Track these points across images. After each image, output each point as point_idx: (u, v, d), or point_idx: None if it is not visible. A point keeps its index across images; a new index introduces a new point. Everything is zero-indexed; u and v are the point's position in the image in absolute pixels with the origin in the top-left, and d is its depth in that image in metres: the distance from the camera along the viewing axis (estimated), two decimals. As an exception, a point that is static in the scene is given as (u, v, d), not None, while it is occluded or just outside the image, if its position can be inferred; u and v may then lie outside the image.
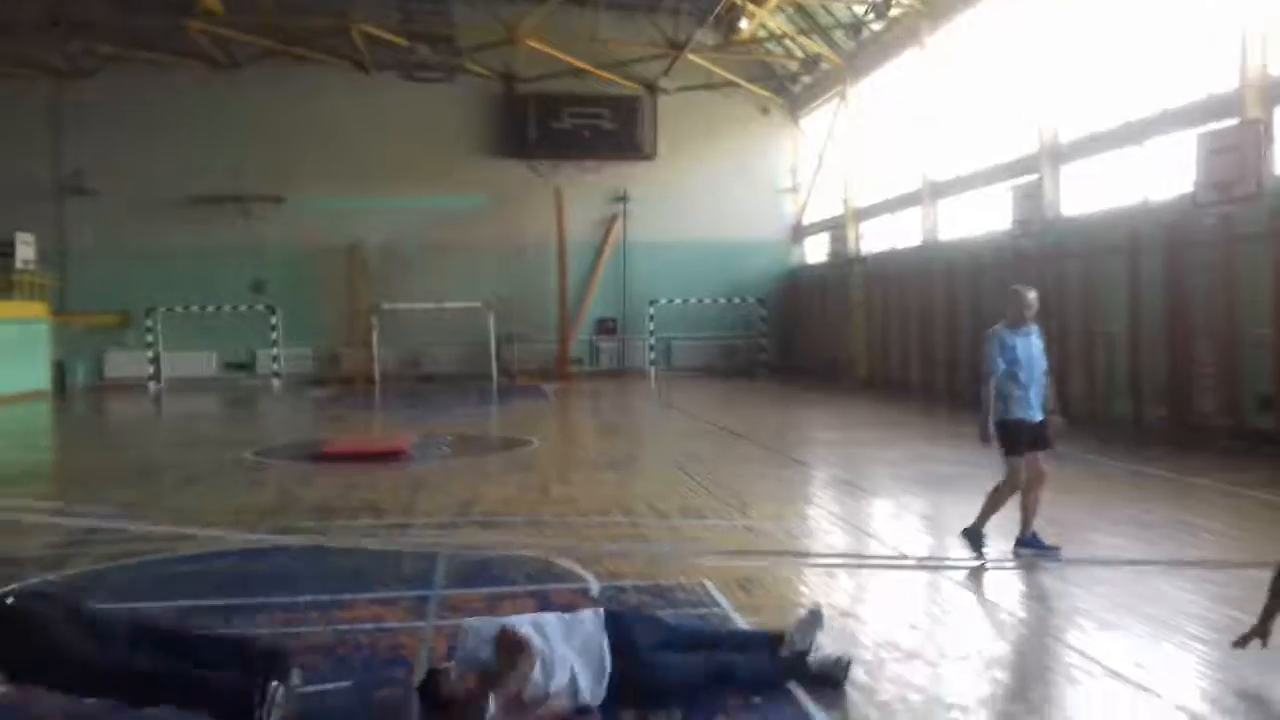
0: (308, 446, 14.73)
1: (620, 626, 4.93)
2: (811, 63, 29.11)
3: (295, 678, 4.71)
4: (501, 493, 10.79)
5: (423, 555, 7.85)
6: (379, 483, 11.52)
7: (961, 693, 4.99)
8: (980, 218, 21.23)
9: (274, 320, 29.70)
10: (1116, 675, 5.18)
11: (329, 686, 5.12)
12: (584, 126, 30.97)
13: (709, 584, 6.89)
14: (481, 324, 29.88)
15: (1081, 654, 5.52)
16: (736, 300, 31.80)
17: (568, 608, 6.36)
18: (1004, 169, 20.04)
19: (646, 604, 6.50)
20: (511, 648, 4.56)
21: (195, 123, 29.36)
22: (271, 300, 29.85)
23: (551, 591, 6.84)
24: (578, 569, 7.34)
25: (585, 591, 6.82)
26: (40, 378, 27.54)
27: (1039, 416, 7.82)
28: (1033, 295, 7.96)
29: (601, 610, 5.11)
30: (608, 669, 4.71)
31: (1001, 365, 7.70)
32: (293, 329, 29.96)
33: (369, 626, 6.11)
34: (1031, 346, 7.86)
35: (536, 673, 4.56)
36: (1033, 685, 5.15)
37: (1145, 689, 4.99)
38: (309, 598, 6.66)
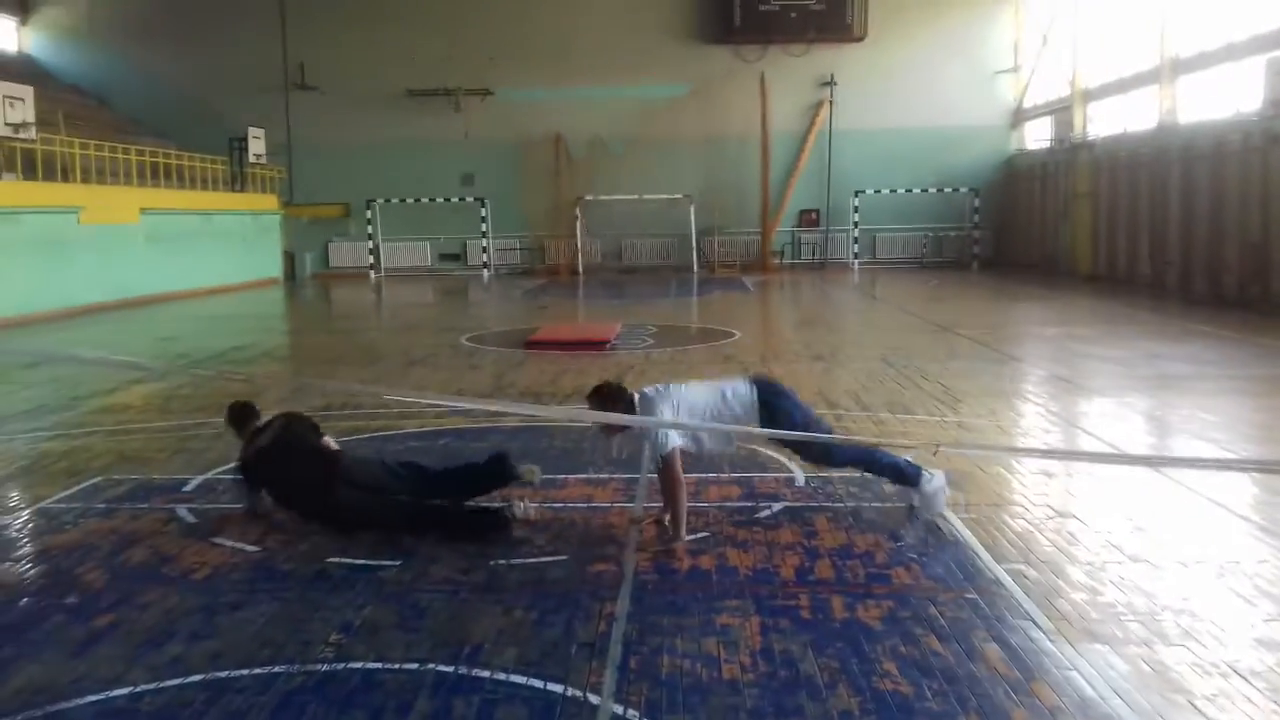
0: (518, 334, 15.24)
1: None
2: (1038, -69, 27.02)
3: (531, 475, 6.11)
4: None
5: (632, 439, 8.01)
6: (586, 369, 11.80)
7: (1188, 596, 4.74)
8: (1226, 97, 19.40)
9: (483, 212, 30.61)
10: (1371, 590, 4.80)
11: (546, 559, 5.35)
12: (791, 7, 29.95)
13: (918, 478, 6.75)
14: (683, 216, 29.88)
15: (1330, 566, 5.14)
16: (948, 190, 30.48)
17: (773, 497, 6.42)
18: (1257, 41, 18.14)
19: (853, 495, 6.46)
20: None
21: (408, 16, 30.14)
22: (481, 193, 30.73)
23: (758, 480, 6.88)
24: (783, 459, 7.34)
25: (791, 481, 6.83)
26: (273, 266, 29.52)
27: None
28: None
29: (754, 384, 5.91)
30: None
31: None
32: (501, 221, 30.80)
33: (582, 505, 6.33)
34: None
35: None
36: (1270, 592, 4.83)
37: None
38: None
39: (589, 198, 30.28)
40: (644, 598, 4.80)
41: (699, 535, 5.69)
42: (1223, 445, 7.82)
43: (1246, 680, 3.91)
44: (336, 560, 5.37)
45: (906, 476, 5.99)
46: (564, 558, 5.37)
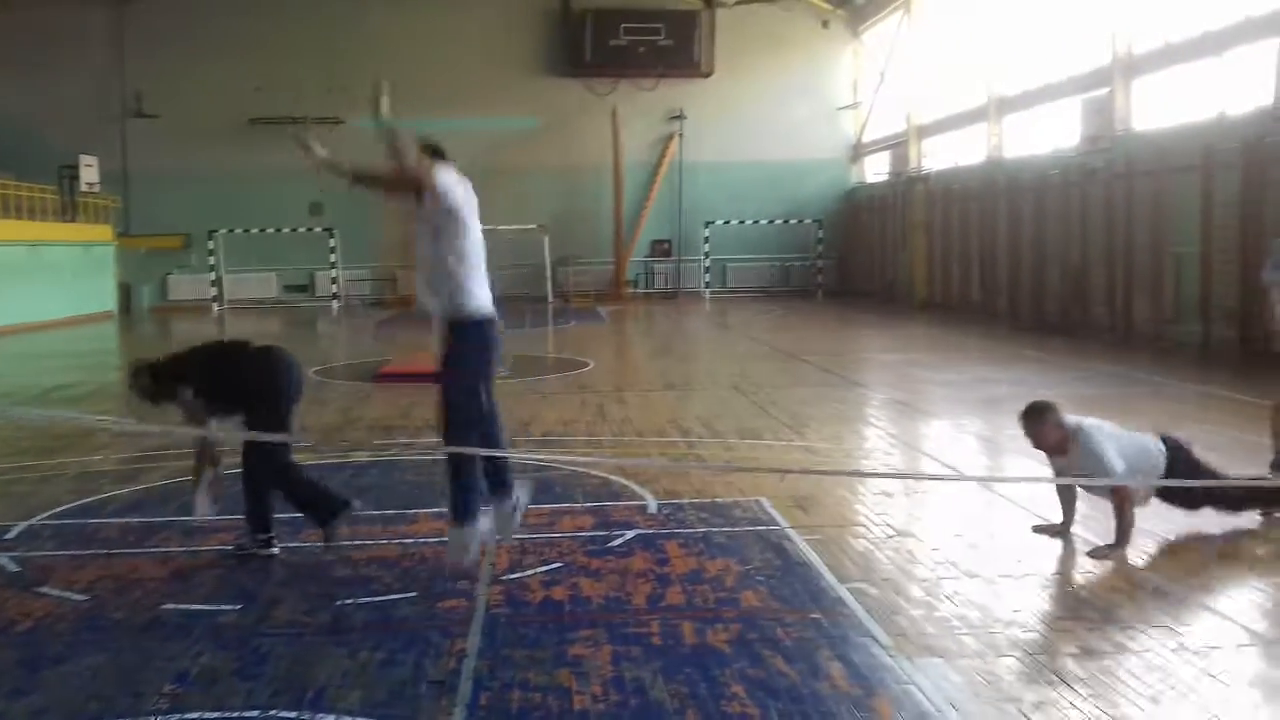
0: (368, 366, 14.95)
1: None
2: (874, -26, 28.29)
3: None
4: (559, 413, 10.88)
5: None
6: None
7: (1019, 609, 4.99)
8: (1047, 134, 20.65)
9: (332, 243, 29.95)
10: (1178, 594, 5.15)
11: (394, 597, 5.25)
12: (640, 43, 30.47)
13: (765, 502, 6.92)
14: (537, 246, 29.90)
15: (1142, 572, 5.48)
16: (793, 221, 31.42)
17: (626, 525, 6.47)
18: (1073, 83, 19.42)
19: (704, 521, 6.56)
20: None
21: (252, 45, 29.38)
22: (330, 223, 30.09)
23: (611, 509, 6.92)
24: (635, 487, 7.41)
25: (644, 509, 6.89)
26: (106, 300, 28.17)
27: None
28: None
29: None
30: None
31: (1277, 275, 7.49)
32: (351, 251, 30.20)
33: (433, 540, 6.24)
34: None
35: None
36: (1092, 602, 5.13)
37: (1209, 609, 4.95)
38: (376, 512, 6.80)
39: (441, 228, 29.98)
40: (496, 632, 4.76)
41: (552, 566, 5.69)
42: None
43: (1071, 687, 4.13)
44: (171, 606, 5.15)
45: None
46: (413, 595, 5.28)
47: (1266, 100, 13.66)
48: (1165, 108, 17.10)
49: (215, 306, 29.51)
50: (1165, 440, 6.17)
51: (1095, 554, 5.72)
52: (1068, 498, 6.18)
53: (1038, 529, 6.22)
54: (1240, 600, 5.13)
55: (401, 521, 6.66)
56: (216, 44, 29.22)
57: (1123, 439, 6.07)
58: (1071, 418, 6.14)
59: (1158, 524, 6.34)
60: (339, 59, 29.57)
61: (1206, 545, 6.00)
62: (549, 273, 30.22)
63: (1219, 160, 14.78)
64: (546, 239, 29.89)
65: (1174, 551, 5.87)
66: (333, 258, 30.07)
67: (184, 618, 4.99)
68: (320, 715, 3.96)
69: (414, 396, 12.01)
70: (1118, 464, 5.85)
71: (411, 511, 6.88)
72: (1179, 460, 6.08)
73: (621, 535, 6.27)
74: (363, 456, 8.54)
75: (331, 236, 29.85)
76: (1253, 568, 5.65)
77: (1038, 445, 6.25)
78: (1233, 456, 8.27)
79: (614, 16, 30.34)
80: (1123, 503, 5.82)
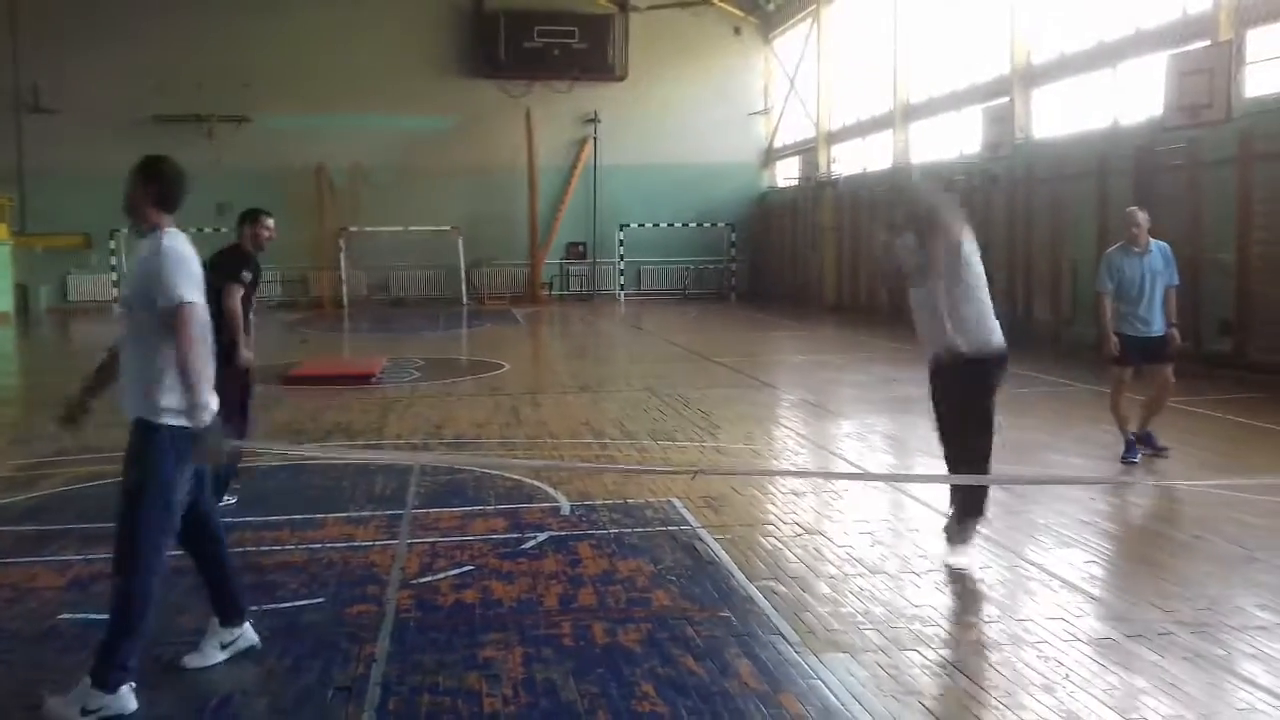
0: (277, 369, 14.66)
1: None
2: (785, -19, 28.70)
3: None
4: (472, 415, 10.83)
5: (394, 476, 7.90)
6: (349, 405, 11.53)
7: (921, 604, 5.13)
8: (951, 141, 21.18)
9: (240, 243, 29.24)
10: (1072, 587, 5.34)
11: (303, 603, 5.19)
12: (554, 45, 30.43)
13: (677, 502, 7.00)
14: (451, 248, 29.65)
15: (1039, 568, 5.68)
16: (707, 224, 31.69)
17: (539, 527, 6.48)
18: (976, 92, 19.96)
19: (616, 522, 6.60)
20: None
21: (156, 40, 28.56)
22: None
23: (523, 511, 6.92)
24: (548, 489, 7.42)
25: (556, 511, 6.91)
26: (2, 300, 27.13)
27: (1155, 332, 8.20)
28: (1141, 216, 8.40)
29: None
30: None
31: (1109, 285, 8.24)
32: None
33: (341, 545, 6.17)
34: (1144, 266, 8.21)
35: None
36: (992, 596, 5.30)
37: (1100, 601, 5.15)
38: (282, 517, 6.70)
39: (353, 229, 29.56)
40: (405, 637, 4.74)
41: (464, 569, 5.67)
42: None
43: (971, 679, 4.26)
44: (69, 616, 5.01)
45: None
46: (320, 600, 5.22)
47: (1156, 110, 14.20)
48: (1062, 117, 17.67)
49: (117, 307, 28.59)
50: None
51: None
52: None
53: None
54: (1132, 593, 5.34)
55: (309, 527, 6.57)
56: (118, 37, 28.31)
57: None
58: None
59: (1053, 518, 6.58)
60: (246, 55, 28.93)
61: (1100, 536, 6.23)
62: (464, 275, 30.00)
63: (1113, 168, 15.33)
64: (461, 241, 29.67)
65: (1067, 544, 6.08)
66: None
67: (82, 628, 4.86)
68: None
69: (324, 400, 11.85)
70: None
71: (319, 517, 6.79)
72: None
73: (534, 537, 6.28)
74: (271, 460, 8.39)
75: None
76: (1144, 559, 5.88)
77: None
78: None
79: (527, 19, 30.24)
80: None
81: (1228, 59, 13.06)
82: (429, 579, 5.54)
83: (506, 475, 7.90)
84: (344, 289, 29.62)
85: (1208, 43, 13.57)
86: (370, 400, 11.95)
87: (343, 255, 29.59)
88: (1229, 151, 13.08)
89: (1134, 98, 15.54)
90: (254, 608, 5.08)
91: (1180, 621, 4.84)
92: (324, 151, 29.71)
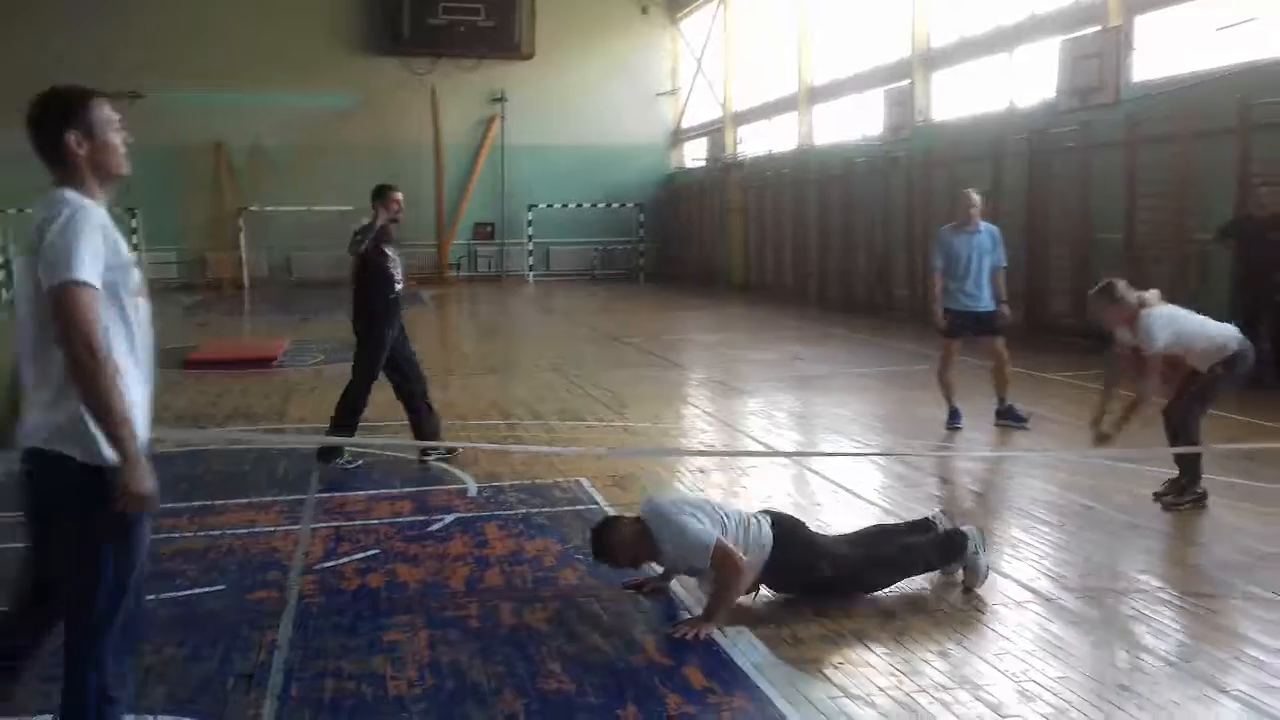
0: (175, 353, 14.27)
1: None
2: (691, -38, 28.74)
3: None
4: (377, 397, 10.62)
5: (298, 460, 7.77)
6: (250, 389, 11.29)
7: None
8: (855, 123, 21.50)
9: (134, 224, 28.32)
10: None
11: (202, 591, 5.09)
12: (460, 22, 30.01)
13: (585, 482, 7.02)
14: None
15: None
16: (615, 205, 31.66)
17: (446, 509, 6.44)
18: (878, 74, 20.28)
19: (524, 502, 6.60)
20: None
21: (43, 12, 27.41)
22: (131, 203, 28.43)
23: (430, 493, 6.88)
24: (455, 470, 7.38)
25: (463, 492, 6.88)
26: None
27: (982, 307, 8.69)
28: (976, 198, 8.88)
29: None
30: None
31: (939, 262, 8.74)
32: (155, 232, 28.63)
33: (242, 531, 6.06)
34: (972, 245, 8.67)
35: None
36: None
37: (992, 569, 5.32)
38: (181, 504, 6.54)
39: (253, 208, 28.83)
40: (308, 623, 4.68)
41: (369, 553, 5.62)
42: (852, 437, 8.69)
43: (868, 647, 4.38)
44: None
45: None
46: (221, 588, 5.13)
47: (1050, 94, 14.61)
48: (961, 100, 18.07)
49: (3, 292, 27.50)
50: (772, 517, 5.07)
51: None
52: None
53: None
54: (1023, 561, 5.53)
55: (208, 513, 6.43)
56: (3, 11, 27.13)
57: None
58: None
59: (952, 490, 6.77)
60: (139, 29, 27.93)
61: (996, 508, 6.44)
62: (368, 256, 29.47)
63: (1008, 150, 15.74)
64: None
65: (962, 514, 6.27)
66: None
67: None
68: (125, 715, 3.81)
69: (223, 384, 11.58)
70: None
71: (219, 503, 6.66)
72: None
73: (440, 520, 6.25)
74: (171, 447, 8.18)
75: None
76: (1034, 529, 6.09)
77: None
78: (1020, 428, 8.88)
79: (432, -7, 29.76)
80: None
81: (1116, 44, 13.49)
82: (333, 564, 5.48)
83: (413, 458, 7.83)
84: (244, 270, 28.91)
85: (1098, 28, 14.00)
86: (272, 384, 11.71)
87: (242, 236, 28.86)
88: (1118, 134, 13.53)
89: (1029, 81, 15.96)
90: (150, 597, 4.96)
91: (1067, 588, 5.04)
92: (222, 129, 28.89)
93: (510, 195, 30.98)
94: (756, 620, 4.66)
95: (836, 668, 4.19)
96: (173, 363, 13.37)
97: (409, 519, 6.29)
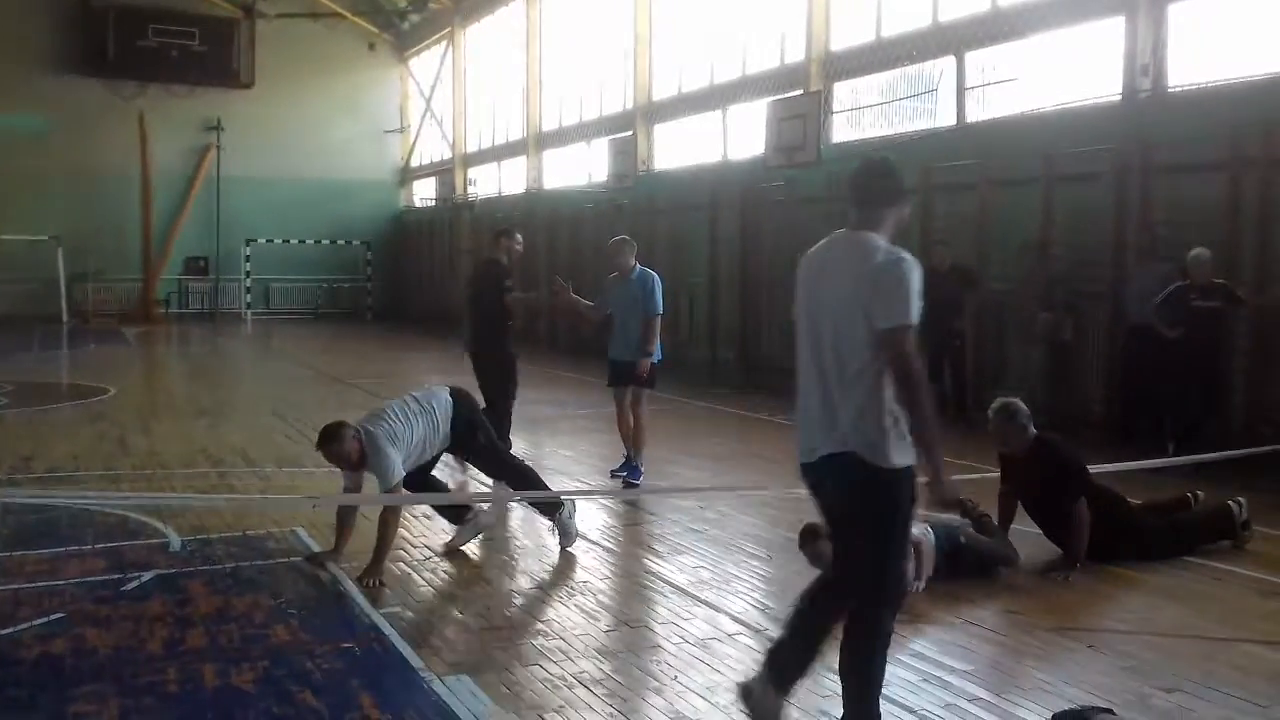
0: None
1: None
2: (420, 1, 28.60)
3: None
4: (70, 446, 9.84)
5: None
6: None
7: (546, 619, 5.28)
8: (582, 169, 22.02)
9: None
10: (683, 592, 5.71)
11: None
12: (172, 46, 28.41)
13: (301, 531, 6.76)
14: (50, 260, 26.76)
15: (654, 575, 6.02)
16: (341, 241, 30.80)
17: (144, 566, 6.01)
18: (603, 123, 20.90)
19: (233, 555, 6.26)
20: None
21: None
22: None
23: (126, 549, 6.38)
24: (156, 524, 6.89)
25: (165, 547, 6.44)
26: None
27: (627, 357, 8.47)
28: (626, 247, 8.78)
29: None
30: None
31: (606, 310, 8.76)
32: None
33: (-104, 600, 5.39)
34: (621, 295, 8.57)
35: None
36: (610, 606, 5.55)
37: (707, 604, 5.55)
38: None
39: (-75, 236, 25.92)
40: (-23, 698, 4.22)
41: (52, 618, 5.14)
42: (577, 478, 8.82)
43: (589, 689, 4.44)
44: None
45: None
46: None
47: (760, 150, 15.55)
48: (681, 151, 18.91)
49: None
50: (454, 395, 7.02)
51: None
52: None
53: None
54: (735, 595, 5.79)
55: None
56: None
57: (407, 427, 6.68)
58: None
59: (668, 527, 7.00)
60: None
61: (709, 543, 6.71)
62: (64, 290, 27.16)
63: (723, 201, 16.60)
64: (61, 251, 26.85)
65: (679, 551, 6.50)
66: None
67: None
68: None
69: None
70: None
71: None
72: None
73: (137, 578, 5.81)
74: None
75: None
76: (739, 565, 6.39)
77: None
78: (737, 464, 9.33)
79: (141, 16, 28.00)
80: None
81: (817, 107, 14.56)
82: (9, 631, 4.97)
83: (108, 511, 7.25)
84: (-87, 305, 25.91)
85: (801, 92, 15.06)
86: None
87: (-89, 266, 25.87)
88: (819, 191, 14.55)
89: (742, 138, 16.93)
90: None
91: (775, 619, 5.31)
92: (-113, 147, 25.87)
93: (227, 228, 29.46)
94: (481, 668, 4.62)
95: (558, 712, 4.21)
96: None
97: (101, 578, 5.81)
